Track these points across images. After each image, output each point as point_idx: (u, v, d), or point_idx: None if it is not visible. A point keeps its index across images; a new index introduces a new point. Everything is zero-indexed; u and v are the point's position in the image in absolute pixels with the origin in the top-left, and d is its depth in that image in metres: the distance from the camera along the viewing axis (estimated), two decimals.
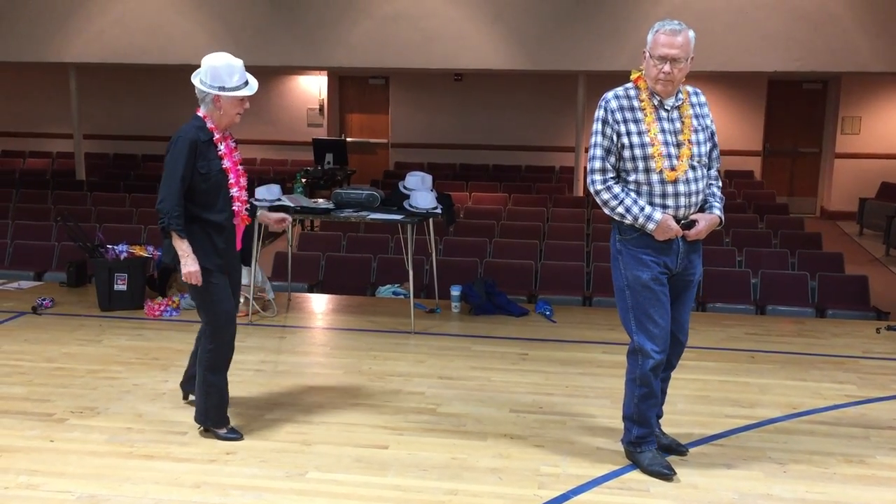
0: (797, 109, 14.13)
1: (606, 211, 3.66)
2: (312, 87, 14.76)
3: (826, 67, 10.33)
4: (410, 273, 6.28)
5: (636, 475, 3.74)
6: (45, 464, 3.77)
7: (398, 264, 7.60)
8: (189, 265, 3.88)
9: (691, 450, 4.01)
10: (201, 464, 3.80)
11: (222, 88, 3.90)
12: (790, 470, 3.84)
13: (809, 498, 3.57)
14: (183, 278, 3.92)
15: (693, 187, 3.65)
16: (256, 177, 12.16)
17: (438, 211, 6.30)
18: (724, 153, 13.54)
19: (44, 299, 6.60)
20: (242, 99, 3.97)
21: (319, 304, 7.01)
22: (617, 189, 3.64)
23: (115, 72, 14.42)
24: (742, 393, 4.91)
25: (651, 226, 3.58)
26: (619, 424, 4.01)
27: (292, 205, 6.29)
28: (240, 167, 4.09)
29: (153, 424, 4.24)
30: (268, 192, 6.36)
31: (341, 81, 15.12)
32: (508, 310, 6.67)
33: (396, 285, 7.42)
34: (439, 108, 14.65)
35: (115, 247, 6.64)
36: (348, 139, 14.41)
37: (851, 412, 4.62)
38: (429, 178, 6.57)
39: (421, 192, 6.29)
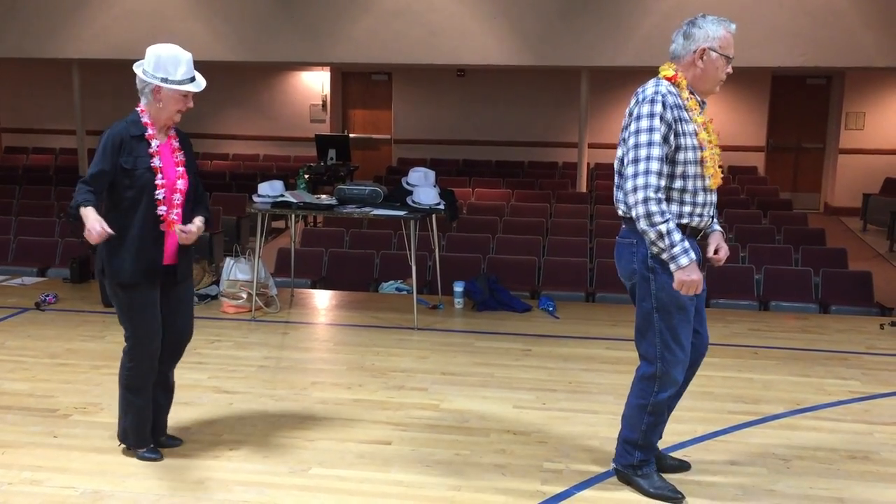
0: (801, 105, 14.09)
1: (642, 224, 3.16)
2: (315, 83, 14.75)
3: (830, 63, 10.30)
4: (413, 269, 6.28)
5: None
6: (48, 460, 3.77)
7: (401, 260, 7.60)
8: (92, 226, 3.44)
9: (694, 446, 4.01)
10: (204, 459, 3.80)
11: (164, 80, 3.55)
12: (794, 466, 3.83)
13: (813, 494, 3.57)
14: (85, 234, 3.48)
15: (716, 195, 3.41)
16: (259, 173, 12.18)
17: (441, 207, 6.29)
18: (727, 149, 13.57)
19: (47, 295, 6.61)
20: (186, 95, 3.61)
21: (322, 301, 7.01)
22: (665, 205, 3.18)
23: (117, 68, 14.38)
24: (746, 389, 4.90)
25: (684, 261, 3.14)
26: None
27: (295, 201, 6.29)
28: (180, 168, 3.68)
29: None
30: (270, 189, 6.36)
31: (344, 77, 15.11)
32: (511, 306, 6.66)
33: (399, 281, 7.42)
34: (442, 104, 14.64)
35: None
36: (351, 135, 14.38)
37: (855, 408, 4.61)
38: (432, 173, 6.57)
39: (424, 188, 6.28)
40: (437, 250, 6.99)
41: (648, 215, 3.15)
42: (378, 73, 14.92)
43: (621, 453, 3.58)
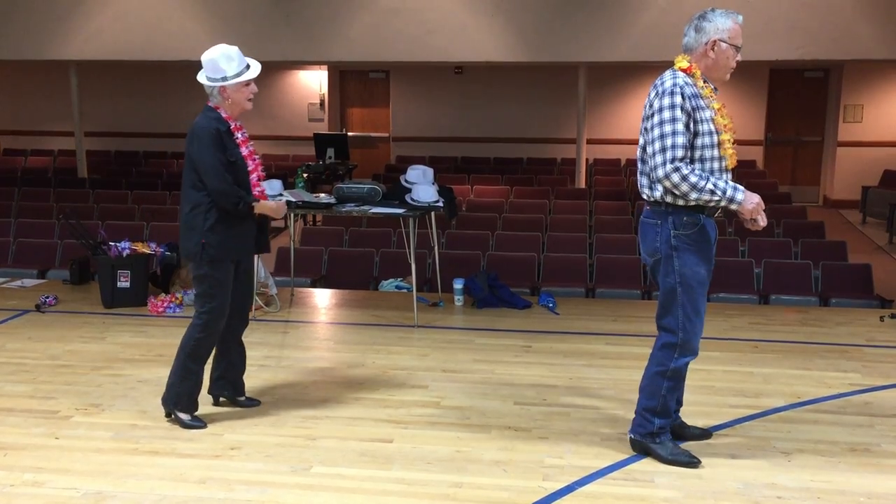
0: (799, 98, 14.09)
1: (693, 195, 3.46)
2: (313, 82, 14.75)
3: (828, 55, 10.29)
4: (413, 267, 6.28)
5: (641, 466, 3.74)
6: (50, 461, 3.78)
7: (401, 258, 7.60)
8: (279, 209, 4.17)
9: (695, 440, 4.01)
10: (206, 459, 3.81)
11: (224, 78, 3.94)
12: (795, 459, 3.84)
13: (814, 486, 3.57)
14: (277, 214, 4.16)
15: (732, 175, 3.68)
16: None
17: (440, 204, 6.29)
18: None
19: (47, 297, 6.61)
20: (248, 83, 4.01)
21: (322, 299, 7.01)
22: (698, 170, 3.50)
23: (115, 69, 14.41)
24: (746, 383, 4.91)
25: (740, 196, 3.49)
26: (624, 415, 4.02)
27: (294, 200, 6.29)
28: (256, 157, 4.17)
29: (158, 421, 4.25)
30: (269, 188, 6.34)
31: (342, 76, 15.10)
32: (511, 302, 6.66)
33: (399, 279, 7.42)
34: (440, 102, 14.63)
35: (118, 244, 6.64)
36: (349, 133, 14.40)
37: (856, 400, 4.62)
38: (430, 171, 6.56)
39: (422, 186, 6.28)
40: (436, 248, 6.99)
41: (694, 185, 3.46)
42: (376, 72, 14.91)
43: (640, 423, 3.79)
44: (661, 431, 3.76)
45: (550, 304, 6.64)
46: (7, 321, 6.16)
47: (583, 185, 11.68)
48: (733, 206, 3.51)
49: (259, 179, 4.16)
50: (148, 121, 14.99)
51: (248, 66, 4.00)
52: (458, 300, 6.75)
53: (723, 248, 7.85)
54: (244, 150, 4.07)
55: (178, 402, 4.14)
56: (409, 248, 6.38)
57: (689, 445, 3.88)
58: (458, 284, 6.76)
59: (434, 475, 3.66)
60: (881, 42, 10.05)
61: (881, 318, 6.32)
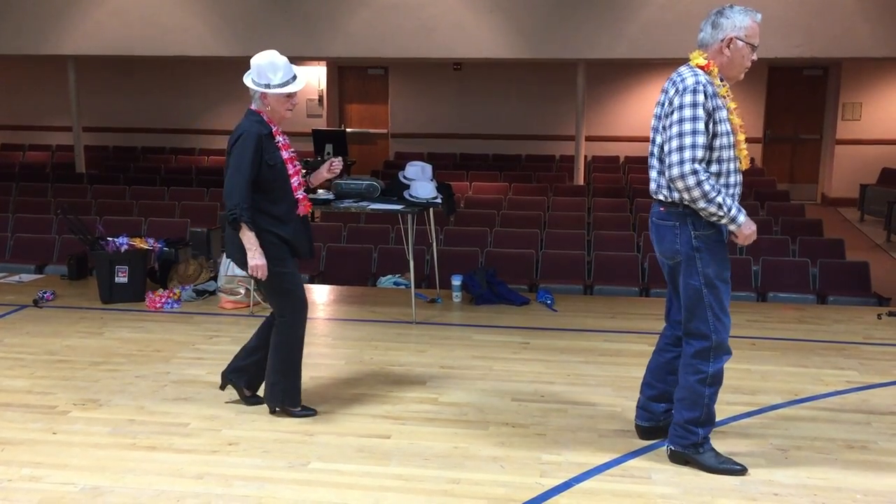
0: (797, 96, 14.10)
1: (701, 204, 3.38)
2: (312, 78, 14.73)
3: (827, 53, 10.30)
4: (411, 263, 6.28)
5: (638, 462, 3.74)
6: (47, 456, 3.77)
7: (399, 254, 7.60)
8: (256, 258, 3.94)
9: None
10: (204, 455, 3.81)
11: (268, 86, 4.01)
12: (792, 456, 3.85)
13: (811, 484, 3.58)
14: (250, 271, 3.98)
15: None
16: None
17: (439, 201, 6.29)
18: None
19: (45, 292, 6.61)
20: (289, 95, 4.05)
21: (321, 295, 7.01)
22: (713, 180, 3.41)
23: (113, 64, 14.39)
24: (743, 380, 4.91)
25: (742, 218, 3.43)
26: (622, 412, 4.03)
27: None
28: (297, 162, 4.16)
29: (155, 416, 4.25)
30: None
31: (340, 72, 15.08)
32: (509, 299, 6.67)
33: (397, 275, 7.43)
34: (439, 98, 14.62)
35: (116, 239, 6.64)
36: (348, 129, 14.39)
37: (853, 398, 4.63)
38: (429, 167, 6.56)
39: (421, 182, 6.28)
40: (434, 244, 7.00)
41: (705, 194, 3.38)
42: (374, 68, 14.89)
43: (682, 434, 3.66)
44: (705, 441, 3.65)
45: (548, 301, 6.64)
46: (5, 316, 6.16)
47: (581, 182, 11.69)
48: (732, 227, 3.45)
49: (300, 185, 4.13)
50: (146, 116, 14.97)
51: (294, 77, 4.06)
52: (457, 297, 6.75)
53: None
54: (285, 154, 4.08)
55: (286, 398, 4.20)
56: (407, 244, 6.38)
57: None
58: (456, 281, 6.76)
59: (431, 471, 3.67)
60: (880, 40, 10.05)
61: (878, 316, 6.33)
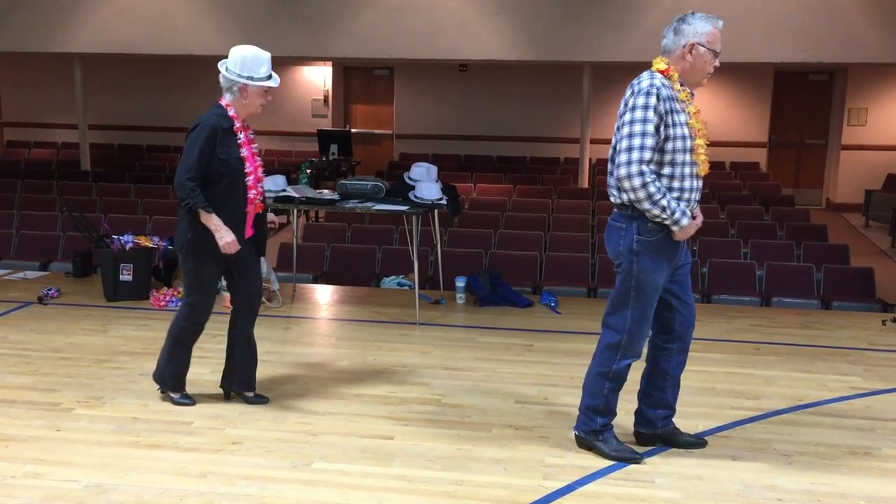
0: (803, 101, 14.07)
1: (646, 205, 3.47)
2: (317, 78, 14.74)
3: (833, 58, 10.29)
4: (415, 264, 6.28)
5: (641, 466, 3.74)
6: (51, 453, 3.78)
7: (403, 255, 7.60)
8: (224, 237, 4.01)
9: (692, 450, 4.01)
10: (207, 453, 3.81)
11: (251, 78, 4.04)
12: (795, 461, 3.84)
13: (814, 489, 3.57)
14: (222, 249, 4.03)
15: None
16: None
17: (443, 202, 6.29)
18: (729, 145, 13.55)
19: (49, 289, 6.62)
20: (267, 90, 4.11)
21: (324, 295, 7.01)
22: (659, 183, 3.48)
23: (120, 62, 14.41)
24: (747, 385, 4.91)
25: (685, 221, 3.51)
26: (625, 416, 4.02)
27: (297, 196, 6.29)
28: (257, 158, 4.20)
29: (159, 414, 4.25)
30: (272, 183, 6.35)
31: (346, 72, 15.09)
32: (513, 301, 6.67)
33: (401, 276, 7.43)
34: (444, 99, 14.62)
35: (121, 237, 6.65)
36: (353, 130, 14.40)
37: (857, 404, 4.62)
38: (434, 168, 6.56)
39: (426, 183, 6.28)
40: (439, 245, 7.00)
41: (650, 196, 3.46)
42: (380, 68, 14.90)
43: (584, 420, 3.83)
44: (604, 429, 3.79)
45: (552, 304, 6.64)
46: (9, 313, 6.17)
47: (586, 185, 11.68)
48: (675, 228, 3.53)
49: (257, 182, 4.16)
50: (152, 114, 15.00)
51: (270, 76, 4.11)
52: (460, 298, 6.75)
53: (725, 249, 7.89)
54: (244, 151, 4.09)
55: (164, 381, 4.37)
56: (411, 245, 6.38)
57: (690, 452, 3.89)
58: (460, 282, 6.76)
59: (435, 473, 3.67)
60: (886, 46, 10.04)
61: (883, 322, 6.31)
